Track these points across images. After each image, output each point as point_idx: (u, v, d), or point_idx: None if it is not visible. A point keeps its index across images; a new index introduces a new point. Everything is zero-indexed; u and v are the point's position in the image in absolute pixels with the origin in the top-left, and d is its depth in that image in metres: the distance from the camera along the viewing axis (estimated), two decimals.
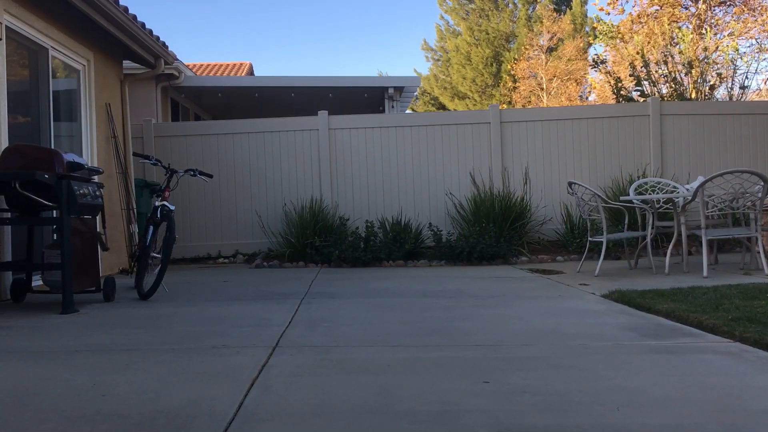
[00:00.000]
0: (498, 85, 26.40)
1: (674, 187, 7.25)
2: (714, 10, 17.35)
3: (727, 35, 16.27)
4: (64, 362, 3.16)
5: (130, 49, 7.97)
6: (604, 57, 16.62)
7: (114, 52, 8.07)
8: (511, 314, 4.36)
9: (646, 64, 12.57)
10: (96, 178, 6.11)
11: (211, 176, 6.52)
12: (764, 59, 16.78)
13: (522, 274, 6.85)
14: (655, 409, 2.26)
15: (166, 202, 5.72)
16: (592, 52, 23.73)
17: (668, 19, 16.32)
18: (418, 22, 56.12)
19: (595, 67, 14.86)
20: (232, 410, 2.32)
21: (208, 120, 13.07)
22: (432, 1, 52.79)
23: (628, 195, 7.03)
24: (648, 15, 17.33)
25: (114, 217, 7.68)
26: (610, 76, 13.18)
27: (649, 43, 15.26)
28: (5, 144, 5.47)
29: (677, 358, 3.03)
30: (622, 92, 12.59)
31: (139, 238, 6.73)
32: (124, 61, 8.45)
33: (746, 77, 15.82)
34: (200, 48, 61.29)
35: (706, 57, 13.40)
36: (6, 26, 5.66)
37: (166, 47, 8.70)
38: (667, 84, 12.39)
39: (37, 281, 5.59)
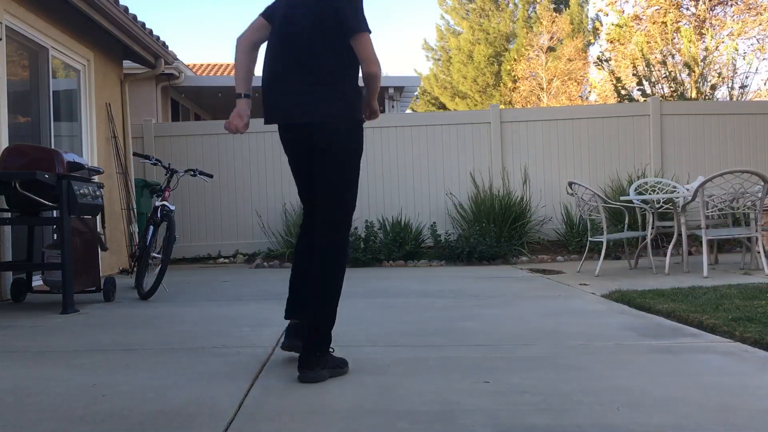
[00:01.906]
0: (499, 85, 26.37)
1: (674, 187, 7.24)
2: (714, 10, 17.34)
3: (727, 35, 16.27)
4: (65, 362, 3.16)
5: (130, 49, 7.98)
6: (608, 56, 16.64)
7: (114, 52, 8.08)
8: (512, 314, 4.36)
9: (648, 64, 12.58)
10: (96, 178, 6.11)
11: (211, 176, 6.51)
12: (764, 59, 16.76)
13: (522, 274, 6.85)
14: (656, 409, 2.26)
15: (166, 202, 5.72)
16: (593, 51, 23.75)
17: (669, 21, 16.32)
18: (418, 22, 56.13)
19: (599, 64, 14.88)
20: (232, 410, 2.32)
21: (208, 120, 13.06)
22: (432, 1, 52.81)
23: (628, 195, 7.03)
24: (647, 16, 17.34)
25: (114, 217, 7.68)
26: (612, 74, 13.21)
27: (648, 43, 15.27)
28: (5, 144, 5.47)
29: (677, 358, 3.03)
30: (623, 92, 12.60)
31: (139, 238, 6.72)
32: (124, 61, 8.45)
33: (746, 77, 15.80)
34: (200, 48, 61.30)
35: (706, 57, 13.42)
36: (6, 26, 5.66)
37: (166, 47, 8.70)
38: (668, 84, 12.41)
39: (37, 281, 5.59)
